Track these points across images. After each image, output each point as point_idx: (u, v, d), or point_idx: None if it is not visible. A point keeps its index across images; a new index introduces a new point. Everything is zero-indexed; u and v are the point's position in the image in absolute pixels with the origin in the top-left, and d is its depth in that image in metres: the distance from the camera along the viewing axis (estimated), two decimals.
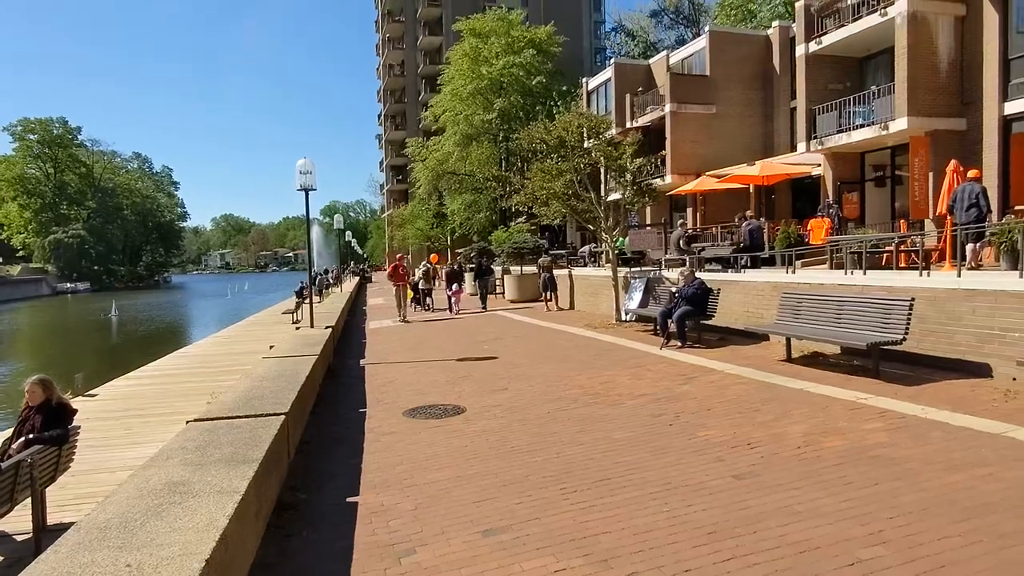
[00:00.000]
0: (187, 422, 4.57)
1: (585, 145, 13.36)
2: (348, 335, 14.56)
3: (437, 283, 23.16)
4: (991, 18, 13.40)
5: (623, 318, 12.98)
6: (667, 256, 15.51)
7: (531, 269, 21.15)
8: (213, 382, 9.80)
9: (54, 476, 4.96)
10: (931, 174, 14.11)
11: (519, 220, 30.24)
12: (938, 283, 7.41)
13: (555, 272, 17.79)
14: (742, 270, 12.39)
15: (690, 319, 9.73)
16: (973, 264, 10.09)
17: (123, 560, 2.42)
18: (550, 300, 17.20)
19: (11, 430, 5.26)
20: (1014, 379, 5.79)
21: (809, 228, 14.65)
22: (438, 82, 39.61)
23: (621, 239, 16.97)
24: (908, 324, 6.71)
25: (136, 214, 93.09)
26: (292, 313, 20.48)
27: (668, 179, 22.29)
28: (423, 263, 23.26)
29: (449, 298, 18.56)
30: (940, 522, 3.50)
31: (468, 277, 22.56)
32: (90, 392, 10.16)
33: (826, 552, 3.25)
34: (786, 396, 6.46)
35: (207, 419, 4.57)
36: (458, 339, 12.64)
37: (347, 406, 7.28)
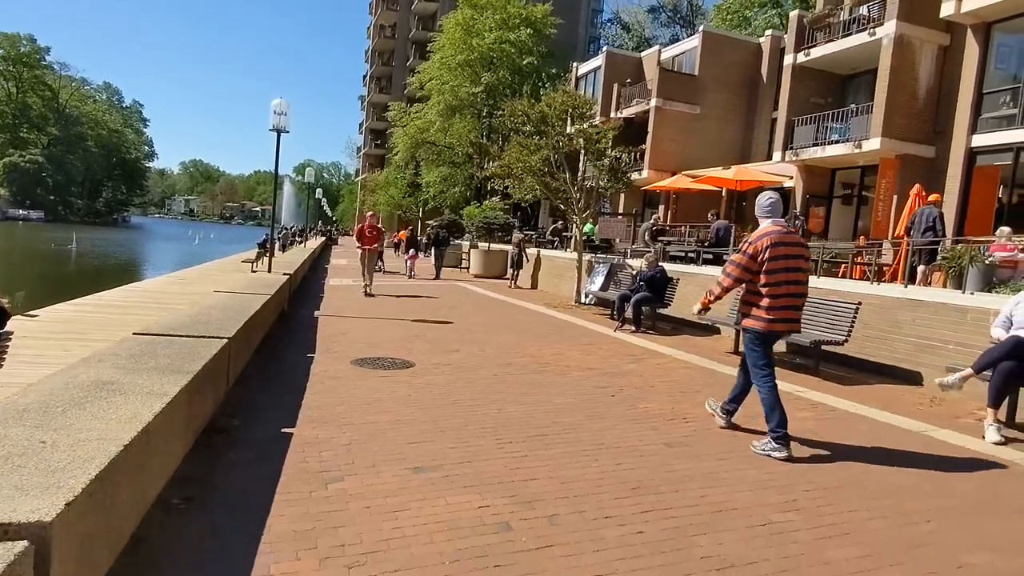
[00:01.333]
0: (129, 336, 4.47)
1: (568, 130, 13.37)
2: (306, 288, 14.36)
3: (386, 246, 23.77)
4: (972, 51, 13.81)
5: (583, 301, 13.11)
6: (634, 246, 15.70)
7: (499, 246, 21.13)
8: (160, 316, 9.57)
9: None
10: (895, 196, 14.57)
11: (493, 198, 30.15)
12: (886, 292, 7.68)
13: (526, 251, 17.83)
14: (703, 265, 12.61)
15: (647, 305, 9.88)
16: (921, 285, 10.48)
17: (38, 437, 2.37)
18: (516, 278, 17.26)
19: None
20: (949, 390, 6.05)
21: None
22: (428, 49, 38.99)
23: (591, 225, 17.08)
24: (852, 327, 6.95)
25: (100, 147, 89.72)
26: (252, 263, 20.11)
27: (645, 173, 22.47)
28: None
29: (406, 262, 19.34)
30: (852, 498, 3.67)
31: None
32: (31, 312, 9.80)
33: (742, 513, 3.37)
34: (728, 382, 6.59)
35: (147, 333, 4.48)
36: (417, 303, 12.60)
37: (296, 350, 7.20)
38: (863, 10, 15.77)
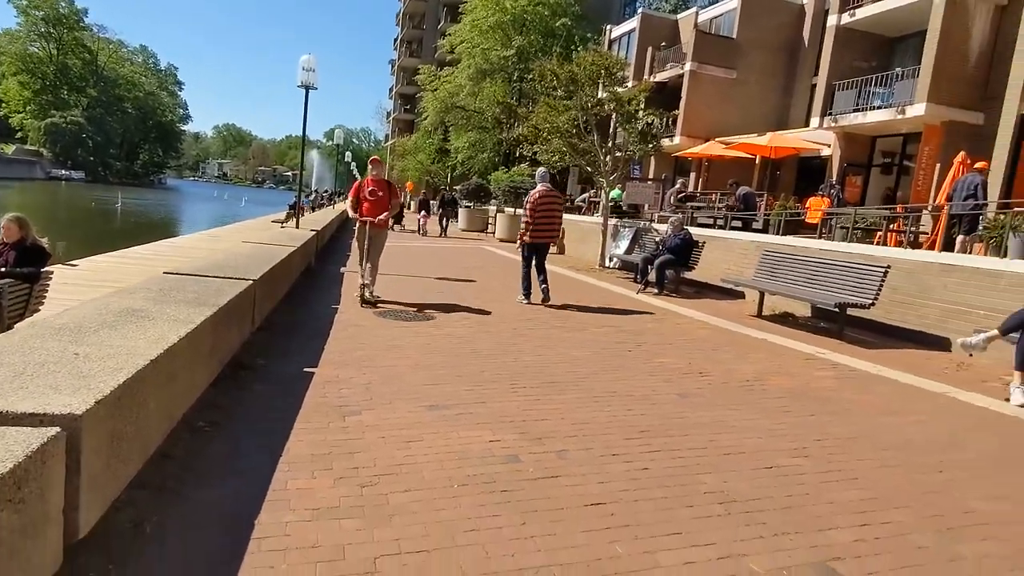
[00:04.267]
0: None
1: (599, 94, 13.14)
2: (333, 247, 14.58)
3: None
4: None
5: (607, 264, 13.05)
6: (661, 212, 15.51)
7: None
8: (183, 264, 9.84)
9: (23, 314, 5.05)
10: (938, 165, 14.03)
11: (521, 164, 29.91)
12: (916, 256, 7.50)
13: None
14: (730, 230, 12.42)
15: (671, 268, 9.81)
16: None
17: (72, 350, 2.51)
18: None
19: None
20: (970, 355, 5.93)
21: (808, 206, 14.60)
22: (460, 11, 38.42)
23: (618, 190, 16.89)
24: (879, 290, 6.81)
25: (137, 109, 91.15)
26: (282, 222, 20.43)
27: (677, 140, 22.04)
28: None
29: (419, 221, 22.30)
30: (862, 448, 3.67)
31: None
32: (71, 262, 10.19)
33: (750, 457, 3.41)
34: (747, 343, 6.61)
35: (177, 273, 4.64)
36: (440, 262, 12.71)
37: (320, 302, 7.36)
38: None
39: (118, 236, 24.51)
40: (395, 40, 72.88)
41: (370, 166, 7.82)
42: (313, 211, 25.82)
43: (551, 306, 7.99)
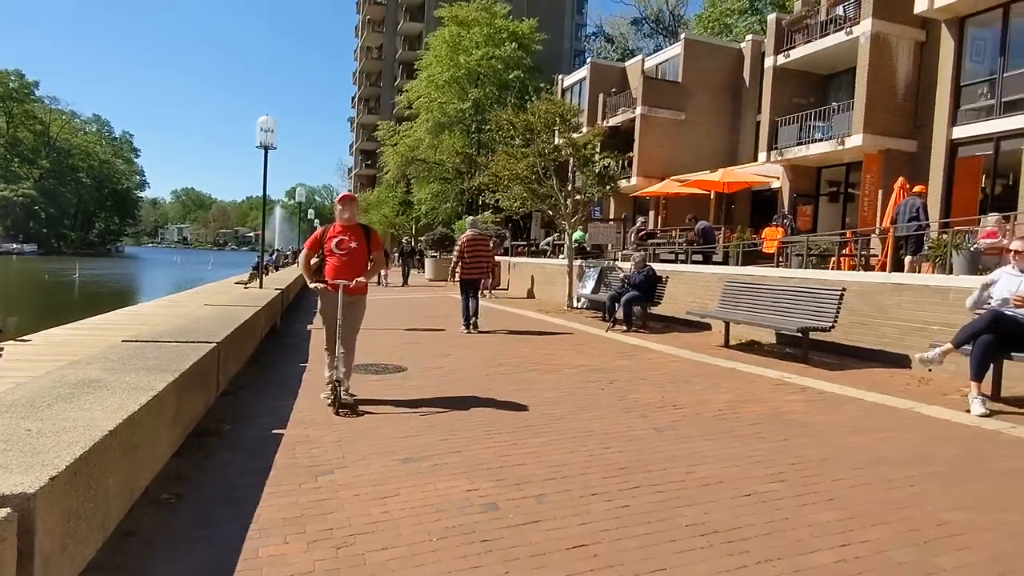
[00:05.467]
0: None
1: (555, 141, 13.52)
2: (299, 305, 14.39)
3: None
4: (948, 45, 14.02)
5: (575, 305, 13.17)
6: (624, 251, 15.79)
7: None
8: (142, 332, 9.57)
9: None
10: (880, 191, 14.70)
11: (485, 212, 30.29)
12: (869, 277, 7.77)
13: (513, 261, 17.93)
14: (692, 264, 12.70)
15: (637, 304, 9.95)
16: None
17: (23, 426, 2.41)
18: (489, 286, 17.29)
19: None
20: (929, 369, 6.11)
21: (763, 236, 15.09)
22: (415, 68, 39.40)
23: (580, 232, 17.18)
24: (838, 312, 7.02)
25: (92, 178, 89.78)
26: (245, 282, 20.12)
27: (634, 180, 22.66)
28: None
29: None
30: (836, 469, 3.71)
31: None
32: (23, 337, 9.82)
33: (728, 485, 3.41)
34: (717, 372, 6.69)
35: (136, 340, 4.52)
36: (408, 313, 12.64)
37: (288, 361, 7.23)
38: (839, 10, 16.03)
39: (74, 308, 23.75)
40: (353, 98, 74.03)
41: (338, 206, 5.25)
42: (277, 270, 25.57)
43: (523, 351, 8.00)
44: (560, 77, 29.66)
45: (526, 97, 32.34)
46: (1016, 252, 5.29)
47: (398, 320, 11.23)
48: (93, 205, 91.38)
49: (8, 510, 1.72)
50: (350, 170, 76.73)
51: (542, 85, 33.46)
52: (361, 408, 4.94)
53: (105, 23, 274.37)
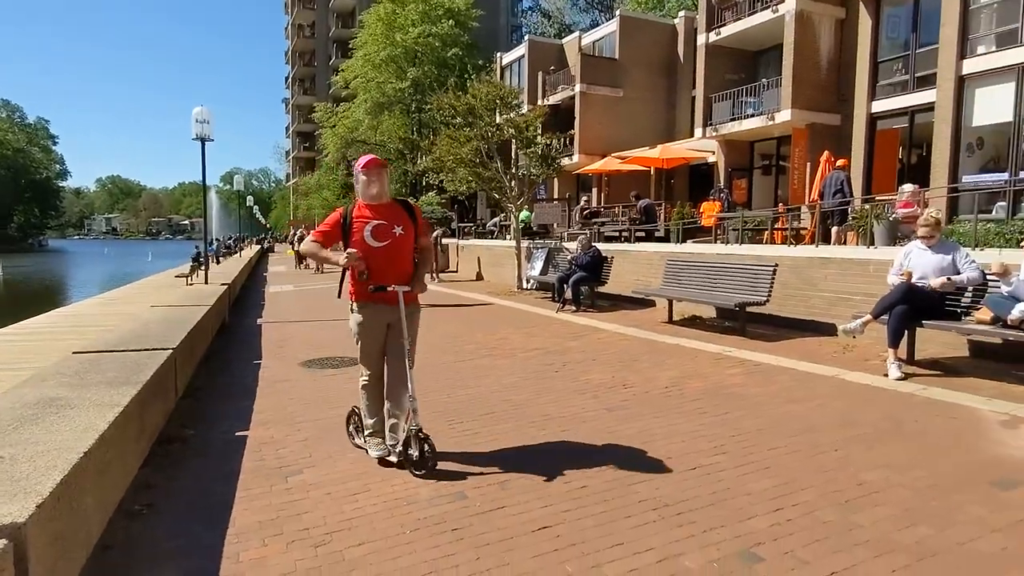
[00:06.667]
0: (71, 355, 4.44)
1: (497, 120, 13.58)
2: (246, 298, 14.14)
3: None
4: (865, 23, 14.76)
5: (524, 286, 13.42)
6: (570, 230, 16.11)
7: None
8: (90, 339, 9.26)
9: None
10: (808, 164, 15.44)
11: (429, 193, 30.09)
12: (799, 252, 8.29)
13: (460, 243, 18.01)
14: (635, 242, 13.11)
15: (585, 284, 10.26)
16: (837, 244, 11.25)
17: None
18: (436, 270, 17.39)
19: None
20: (854, 337, 6.63)
21: (701, 210, 15.68)
22: (350, 46, 38.35)
23: (527, 212, 17.39)
24: (771, 287, 7.49)
25: (6, 168, 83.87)
26: (187, 277, 19.49)
27: (576, 158, 22.95)
28: (299, 230, 26.00)
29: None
30: (772, 438, 4.07)
31: None
32: None
33: (676, 461, 3.71)
34: (663, 350, 7.06)
35: (88, 352, 4.46)
36: None
37: (241, 359, 7.19)
38: None
39: (2, 310, 22.46)
40: (287, 78, 71.50)
41: (361, 175, 3.70)
42: (219, 262, 24.81)
43: (476, 336, 8.18)
44: (499, 55, 29.54)
45: (466, 75, 32.06)
46: (921, 237, 5.79)
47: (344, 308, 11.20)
48: (9, 198, 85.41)
49: (4, 541, 1.79)
50: (288, 152, 74.42)
51: (481, 63, 33.22)
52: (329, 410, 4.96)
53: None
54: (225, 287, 10.01)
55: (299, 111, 62.32)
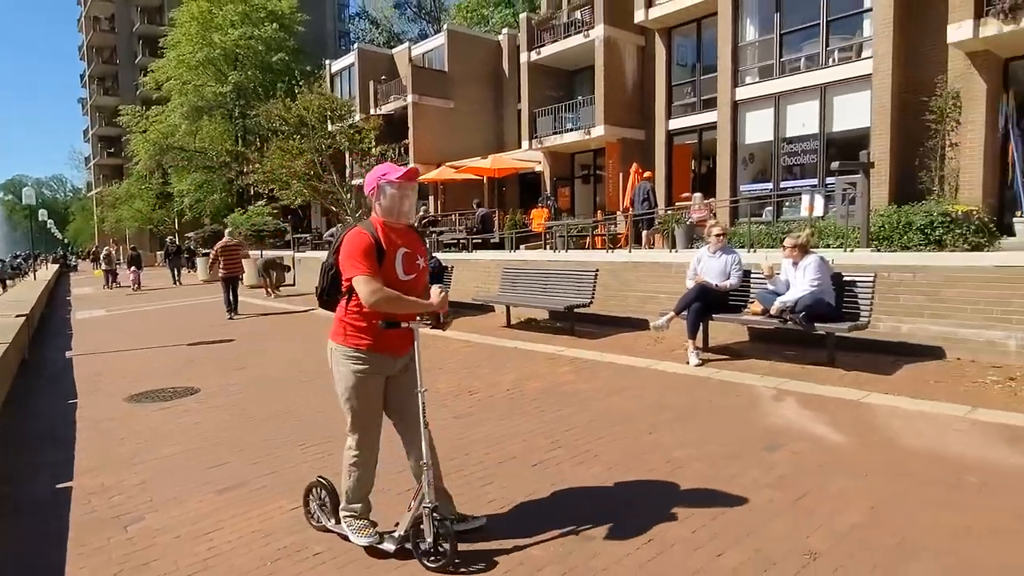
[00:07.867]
0: None
1: (329, 129, 13.37)
2: (49, 327, 12.47)
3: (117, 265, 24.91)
4: (660, 51, 16.69)
5: None
6: None
7: (272, 253, 20.30)
8: None
9: None
10: (621, 174, 17.13)
11: (259, 203, 28.49)
12: (616, 258, 9.33)
13: (297, 256, 17.38)
14: (474, 251, 13.68)
15: None
16: (647, 246, 12.72)
17: None
18: (270, 285, 16.74)
19: None
20: (661, 331, 7.63)
21: (531, 217, 16.73)
22: (160, 45, 35.01)
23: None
24: (594, 290, 8.36)
25: None
26: None
27: (411, 167, 23.11)
28: (106, 247, 25.01)
29: (130, 277, 21.88)
30: (598, 428, 4.66)
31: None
32: None
33: (520, 460, 4.13)
34: (503, 354, 7.58)
35: None
36: (186, 324, 11.75)
37: (52, 399, 6.47)
38: (578, 15, 18.08)
39: None
40: (82, 76, 63.04)
41: (389, 188, 2.89)
42: (5, 287, 21.44)
43: (322, 354, 8.09)
44: (328, 62, 28.79)
45: (293, 81, 30.84)
46: (709, 244, 6.92)
47: (176, 332, 10.40)
48: None
49: None
50: (88, 159, 65.68)
51: (309, 68, 32.12)
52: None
53: None
54: (23, 318, 8.84)
55: (100, 113, 55.43)
